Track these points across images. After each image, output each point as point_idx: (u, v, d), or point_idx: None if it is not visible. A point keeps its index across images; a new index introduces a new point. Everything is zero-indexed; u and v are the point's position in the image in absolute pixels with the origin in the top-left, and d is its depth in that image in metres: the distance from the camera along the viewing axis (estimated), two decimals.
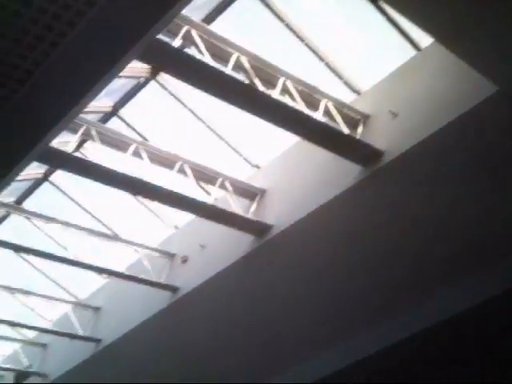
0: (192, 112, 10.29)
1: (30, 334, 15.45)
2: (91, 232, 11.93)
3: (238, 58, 8.33)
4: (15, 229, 12.59)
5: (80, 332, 13.58)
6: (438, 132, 8.16)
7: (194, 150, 10.76)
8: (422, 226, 8.87)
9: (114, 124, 10.38)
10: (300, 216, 9.81)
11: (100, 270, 12.65)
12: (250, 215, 10.52)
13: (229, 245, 10.85)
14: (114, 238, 12.36)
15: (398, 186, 8.85)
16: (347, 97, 9.80)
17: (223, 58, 8.28)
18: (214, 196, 10.57)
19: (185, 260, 11.84)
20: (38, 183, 11.60)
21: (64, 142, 9.49)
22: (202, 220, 10.96)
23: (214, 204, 10.36)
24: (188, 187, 10.41)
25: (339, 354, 10.04)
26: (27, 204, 11.84)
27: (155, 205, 11.84)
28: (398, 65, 9.35)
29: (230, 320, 11.14)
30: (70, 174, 9.67)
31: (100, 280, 13.92)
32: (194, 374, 11.91)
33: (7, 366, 15.95)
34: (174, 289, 11.72)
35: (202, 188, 11.06)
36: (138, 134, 10.63)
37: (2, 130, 6.09)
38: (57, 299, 14.03)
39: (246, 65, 8.44)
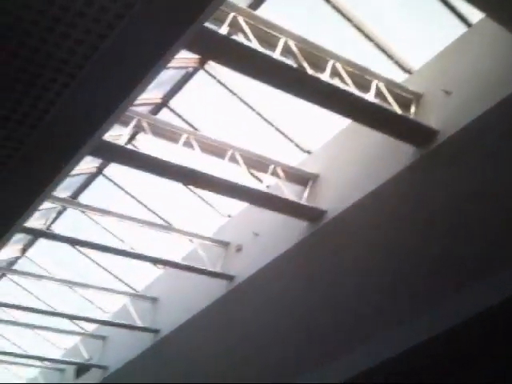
0: (241, 99, 10.23)
1: (90, 327, 15.70)
2: (146, 223, 12.00)
3: (285, 42, 8.22)
4: (72, 223, 12.80)
5: (138, 323, 13.74)
6: (494, 108, 7.93)
7: (245, 138, 10.71)
8: (482, 206, 8.64)
9: (164, 115, 10.42)
10: (354, 200, 9.68)
11: (156, 261, 12.77)
12: (303, 201, 10.43)
13: (282, 232, 10.79)
14: (169, 228, 12.43)
15: (454, 165, 8.63)
16: (398, 76, 9.61)
17: (271, 43, 8.18)
18: (266, 183, 10.53)
19: (239, 248, 11.84)
20: (92, 177, 11.74)
21: (116, 135, 9.56)
22: (254, 208, 10.93)
23: (266, 191, 10.32)
24: (240, 175, 10.37)
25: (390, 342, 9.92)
26: (82, 198, 12.00)
27: (208, 194, 11.86)
28: (449, 42, 9.12)
29: (284, 308, 11.09)
30: (124, 166, 9.76)
31: (156, 271, 14.04)
32: (251, 362, 11.93)
33: (68, 359, 16.27)
34: (229, 277, 11.74)
35: (254, 175, 11.01)
36: (189, 124, 10.64)
37: (55, 125, 6.12)
38: (115, 291, 14.21)
39: (294, 49, 8.32)
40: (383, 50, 9.41)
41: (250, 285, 11.30)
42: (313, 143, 10.93)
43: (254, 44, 7.87)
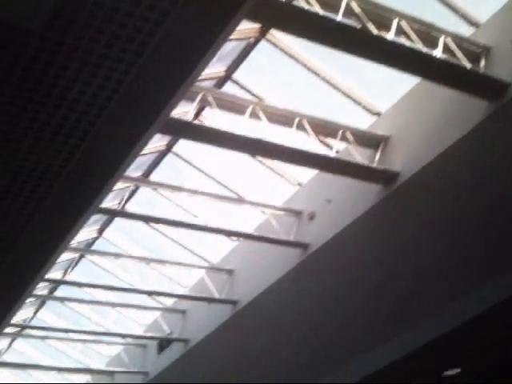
0: (305, 66, 10.09)
1: (169, 302, 15.98)
2: (217, 197, 12.08)
3: (347, 3, 8.05)
4: (145, 202, 13.00)
5: (216, 295, 13.90)
6: None
7: (312, 105, 10.60)
8: None
9: (228, 88, 10.39)
10: (427, 160, 9.50)
11: (229, 233, 12.87)
12: (374, 164, 10.29)
13: (355, 197, 10.69)
14: (240, 200, 12.47)
15: None
16: (465, 31, 9.31)
17: (332, 5, 8.02)
18: (335, 149, 10.41)
19: (312, 216, 11.79)
20: (162, 156, 11.84)
21: (183, 112, 9.61)
22: (325, 174, 10.84)
23: (336, 157, 10.21)
24: (308, 142, 10.29)
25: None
26: (154, 177, 12.14)
27: (277, 164, 11.82)
28: None
29: (360, 273, 11.00)
30: (192, 142, 9.81)
31: (230, 243, 14.14)
32: (329, 328, 11.89)
33: (150, 334, 16.63)
34: (303, 246, 11.73)
35: (323, 142, 10.89)
36: (254, 95, 10.57)
37: (123, 105, 6.16)
38: (191, 265, 14.40)
39: (357, 9, 8.13)
40: (448, 4, 9.12)
41: (325, 252, 11.27)
42: (381, 105, 10.73)
43: (316, 7, 7.74)
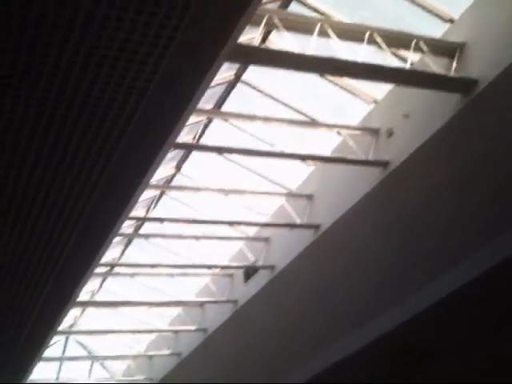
0: None
1: (251, 232, 16.08)
2: (291, 122, 11.91)
3: None
4: (219, 134, 12.97)
5: (298, 221, 13.90)
6: None
7: (382, 17, 10.20)
8: None
9: (294, 8, 10.09)
10: (506, 64, 9.05)
11: (306, 158, 12.74)
12: (451, 73, 9.88)
13: (434, 108, 10.33)
14: (315, 124, 12.28)
15: None
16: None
17: None
18: (410, 60, 10.03)
19: (390, 133, 11.50)
20: (231, 86, 11.72)
21: (250, 38, 9.42)
22: (401, 89, 10.50)
23: (411, 68, 9.85)
24: (381, 56, 9.94)
25: None
26: (225, 108, 12.07)
27: (351, 82, 11.53)
28: None
29: (442, 193, 10.73)
30: (261, 69, 9.62)
31: (308, 168, 14.04)
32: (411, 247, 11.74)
33: (235, 264, 16.85)
34: (382, 164, 11.50)
35: (397, 55, 10.50)
36: (320, 13, 10.23)
37: (191, 32, 6.02)
38: (270, 193, 14.40)
39: None
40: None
41: (406, 167, 11.02)
42: (454, 11, 10.23)
43: None
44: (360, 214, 12.31)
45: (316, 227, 13.50)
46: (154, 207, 14.87)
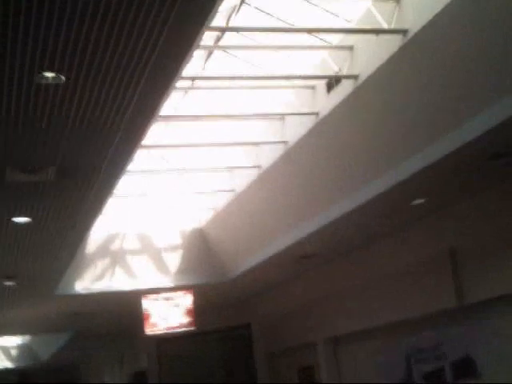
0: None
1: (335, 41, 15.43)
2: None
3: None
4: None
5: (384, 26, 13.22)
6: None
7: None
8: None
9: None
10: None
11: None
12: None
13: None
14: None
15: None
16: None
17: None
18: None
19: None
20: None
21: None
22: None
23: None
24: None
25: None
26: None
27: None
28: None
29: None
30: None
31: None
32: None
33: (317, 73, 16.37)
34: None
35: None
36: None
37: None
38: None
39: None
40: None
41: None
42: None
43: None
44: (452, 17, 11.55)
45: (404, 32, 12.82)
46: (235, 17, 14.28)
